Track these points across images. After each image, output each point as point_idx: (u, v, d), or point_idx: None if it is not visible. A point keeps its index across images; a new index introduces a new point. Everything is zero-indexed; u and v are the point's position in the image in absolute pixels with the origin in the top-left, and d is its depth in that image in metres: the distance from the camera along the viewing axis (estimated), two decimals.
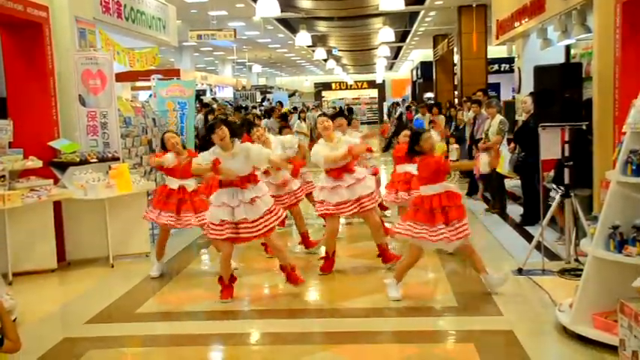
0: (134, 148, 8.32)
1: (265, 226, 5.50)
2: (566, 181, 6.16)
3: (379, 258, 6.51)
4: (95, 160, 7.28)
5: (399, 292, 5.46)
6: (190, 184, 6.38)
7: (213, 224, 5.51)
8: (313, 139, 22.15)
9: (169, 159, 6.33)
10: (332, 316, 5.29)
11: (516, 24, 10.78)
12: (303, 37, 18.56)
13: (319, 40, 24.58)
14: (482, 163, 8.21)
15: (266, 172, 6.84)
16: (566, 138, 6.19)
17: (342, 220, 8.46)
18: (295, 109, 21.74)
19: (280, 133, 8.40)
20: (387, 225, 7.37)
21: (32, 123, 7.05)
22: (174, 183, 6.33)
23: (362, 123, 24.09)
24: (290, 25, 22.15)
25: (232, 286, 5.66)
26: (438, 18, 20.09)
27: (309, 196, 7.63)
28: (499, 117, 9.41)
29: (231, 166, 5.42)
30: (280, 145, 7.23)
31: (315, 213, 8.36)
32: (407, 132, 7.05)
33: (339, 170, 6.26)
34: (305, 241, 7.40)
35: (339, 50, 30.23)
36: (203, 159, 5.55)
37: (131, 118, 8.40)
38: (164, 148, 6.46)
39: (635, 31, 5.89)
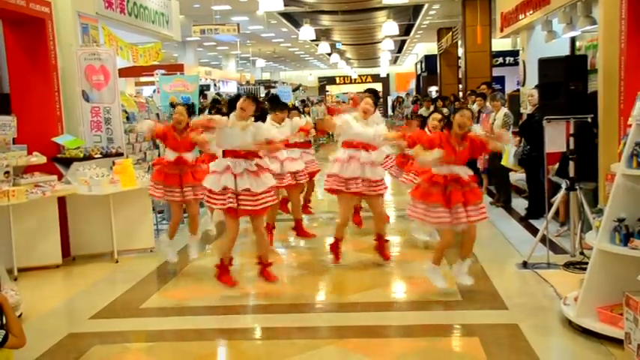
0: (138, 144, 8.33)
1: (266, 202, 5.50)
2: (571, 174, 6.13)
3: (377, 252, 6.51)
4: (99, 156, 7.29)
5: (444, 281, 5.44)
6: (189, 156, 6.37)
7: (214, 193, 5.41)
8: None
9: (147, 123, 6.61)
10: (337, 310, 5.29)
11: (521, 16, 10.73)
12: (307, 32, 18.51)
13: (323, 34, 24.52)
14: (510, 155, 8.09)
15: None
16: (571, 131, 6.16)
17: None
18: (303, 102, 21.64)
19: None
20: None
21: (36, 119, 7.06)
22: (172, 155, 6.34)
23: None
24: (293, 20, 22.11)
25: (229, 271, 5.66)
26: (442, 11, 20.03)
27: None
28: (504, 110, 9.38)
29: (239, 139, 5.39)
30: (290, 127, 7.29)
31: (319, 200, 8.33)
32: (436, 115, 7.03)
33: (362, 145, 6.19)
34: (299, 229, 7.36)
35: (343, 44, 30.16)
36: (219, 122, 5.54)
37: (135, 113, 8.41)
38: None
39: None
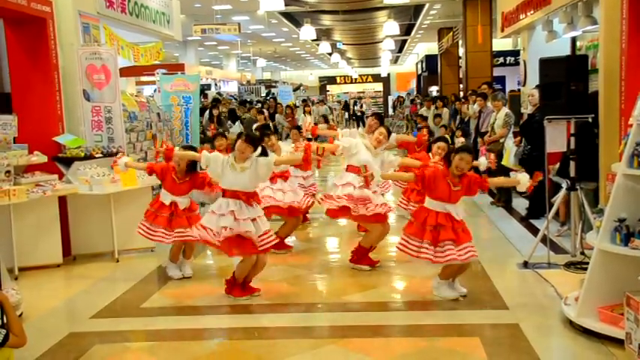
0: (139, 143, 8.34)
1: (267, 243, 5.42)
2: (572, 174, 6.13)
3: (352, 253, 6.43)
4: (100, 155, 7.29)
5: (453, 290, 5.34)
6: (183, 201, 6.14)
7: (211, 229, 5.29)
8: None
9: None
10: (338, 310, 5.29)
11: (522, 16, 10.73)
12: (308, 31, 18.52)
13: (324, 33, 24.53)
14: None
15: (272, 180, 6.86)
16: (572, 131, 6.16)
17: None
18: (304, 101, 21.61)
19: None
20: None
21: (37, 118, 7.06)
22: (167, 198, 6.11)
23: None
24: (294, 19, 22.12)
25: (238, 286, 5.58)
26: (443, 11, 20.03)
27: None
28: (505, 110, 9.40)
29: (239, 181, 5.32)
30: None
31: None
32: (442, 144, 6.99)
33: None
34: (280, 241, 7.03)
35: (344, 44, 30.16)
36: (208, 159, 5.46)
37: (136, 112, 8.41)
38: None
39: None
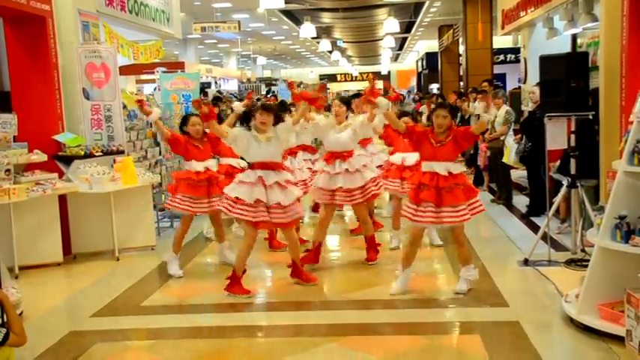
0: (139, 141, 8.33)
1: (296, 212, 5.52)
2: (573, 171, 6.12)
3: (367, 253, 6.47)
4: (100, 154, 7.28)
5: (399, 285, 5.40)
6: (214, 163, 6.27)
7: (244, 204, 5.34)
8: None
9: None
10: (339, 307, 5.28)
11: (522, 13, 10.72)
12: (308, 29, 18.49)
13: (324, 31, 24.51)
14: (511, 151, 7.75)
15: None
16: (573, 128, 6.15)
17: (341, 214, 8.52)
18: None
19: None
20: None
21: (36, 117, 7.06)
22: (199, 166, 6.11)
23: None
24: (294, 17, 22.10)
25: (240, 282, 5.60)
26: (443, 8, 20.00)
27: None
28: (505, 107, 9.38)
29: (265, 151, 5.41)
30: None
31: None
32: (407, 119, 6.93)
33: (335, 155, 6.17)
34: (271, 239, 7.15)
35: (344, 42, 30.16)
36: (235, 136, 5.47)
37: (135, 111, 8.40)
38: (182, 131, 6.26)
39: None
